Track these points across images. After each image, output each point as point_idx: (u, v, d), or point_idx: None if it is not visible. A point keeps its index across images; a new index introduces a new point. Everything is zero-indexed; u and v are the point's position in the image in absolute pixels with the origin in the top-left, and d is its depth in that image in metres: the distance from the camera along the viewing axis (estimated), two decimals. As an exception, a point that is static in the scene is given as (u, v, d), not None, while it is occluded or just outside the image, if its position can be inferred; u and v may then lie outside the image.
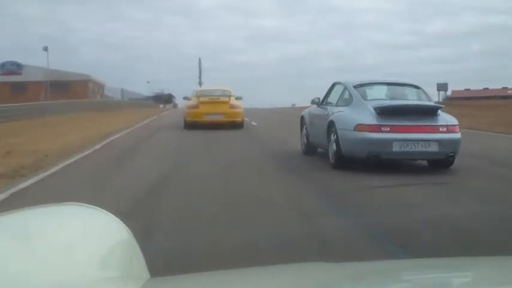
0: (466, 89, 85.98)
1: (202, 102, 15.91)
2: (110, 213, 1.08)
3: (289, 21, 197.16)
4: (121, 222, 1.06)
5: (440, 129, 7.21)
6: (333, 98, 8.42)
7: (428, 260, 1.79)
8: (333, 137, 7.58)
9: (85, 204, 1.11)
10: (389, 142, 7.03)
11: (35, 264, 0.85)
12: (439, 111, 7.40)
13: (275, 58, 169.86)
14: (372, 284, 1.03)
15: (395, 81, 8.53)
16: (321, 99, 8.76)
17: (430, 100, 7.90)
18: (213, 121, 15.57)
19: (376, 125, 7.10)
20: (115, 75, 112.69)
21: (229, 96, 16.39)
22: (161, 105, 66.25)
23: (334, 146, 7.50)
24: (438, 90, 77.28)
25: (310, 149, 8.99)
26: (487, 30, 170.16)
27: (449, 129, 7.24)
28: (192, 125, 15.71)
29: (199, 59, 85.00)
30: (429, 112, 7.38)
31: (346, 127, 7.33)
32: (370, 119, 7.18)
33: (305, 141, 9.22)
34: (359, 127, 7.15)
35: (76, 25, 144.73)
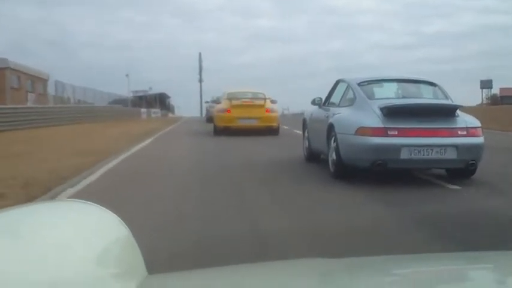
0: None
1: (235, 106, 15.01)
2: (107, 210, 1.07)
3: (288, 22, 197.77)
4: (118, 218, 1.06)
5: (459, 132, 6.30)
6: (336, 97, 7.57)
7: (425, 255, 1.80)
8: (332, 143, 6.78)
9: (81, 200, 1.11)
10: (397, 148, 6.15)
11: (31, 262, 0.83)
12: (458, 112, 6.49)
13: (274, 58, 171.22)
14: (370, 278, 1.06)
15: (408, 78, 7.56)
16: (323, 99, 7.96)
17: (448, 98, 6.98)
18: (246, 126, 14.79)
19: (382, 128, 6.24)
20: (110, 77, 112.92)
21: (265, 99, 15.49)
22: (143, 111, 47.44)
23: (334, 153, 6.71)
24: (482, 88, 73.38)
25: (312, 156, 8.21)
26: (485, 31, 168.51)
27: (470, 132, 6.32)
28: (223, 131, 14.87)
29: (200, 54, 77.52)
30: (445, 112, 6.45)
31: (347, 131, 6.51)
32: (374, 120, 6.32)
33: (307, 146, 8.45)
34: (361, 130, 6.32)
35: (73, 27, 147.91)
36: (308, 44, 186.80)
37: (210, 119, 24.47)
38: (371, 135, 6.21)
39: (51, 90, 34.42)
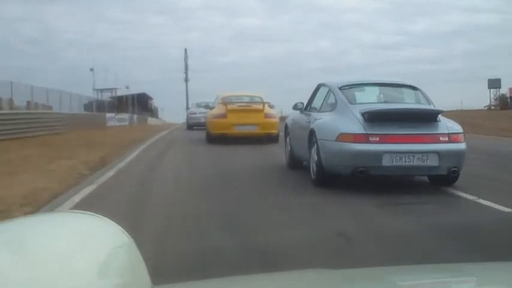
0: (525, 86, 78.07)
1: (231, 111, 13.99)
2: (111, 221, 1.07)
3: (274, 21, 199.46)
4: (122, 229, 1.06)
5: (441, 138, 6.35)
6: (317, 102, 7.63)
7: (424, 266, 1.82)
8: (313, 149, 6.85)
9: (85, 211, 1.11)
10: (379, 155, 6.20)
11: (34, 273, 0.84)
12: (440, 117, 6.56)
13: (260, 58, 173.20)
14: None
15: (390, 82, 7.64)
16: (305, 104, 8.04)
17: (430, 103, 7.05)
18: (244, 133, 13.90)
19: (363, 134, 6.29)
20: (88, 76, 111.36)
21: (263, 103, 14.50)
22: (110, 116, 35.66)
23: (315, 160, 6.77)
24: (490, 88, 72.26)
25: (294, 162, 8.27)
26: (472, 30, 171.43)
27: (451, 138, 6.38)
28: (218, 139, 13.95)
29: (185, 50, 72.08)
30: (427, 118, 6.51)
31: (328, 137, 6.57)
32: (355, 126, 6.38)
33: (289, 153, 8.52)
34: (342, 137, 6.38)
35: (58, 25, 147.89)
36: (295, 43, 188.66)
37: (190, 126, 24.70)
38: (352, 142, 6.27)
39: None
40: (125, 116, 39.34)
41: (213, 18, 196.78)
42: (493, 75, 73.79)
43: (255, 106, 14.43)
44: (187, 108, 31.96)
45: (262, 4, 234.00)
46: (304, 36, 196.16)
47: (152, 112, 63.30)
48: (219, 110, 14.52)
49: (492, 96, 72.48)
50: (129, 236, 1.06)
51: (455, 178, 6.51)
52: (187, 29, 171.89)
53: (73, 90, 36.59)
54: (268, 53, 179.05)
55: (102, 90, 48.52)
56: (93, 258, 0.95)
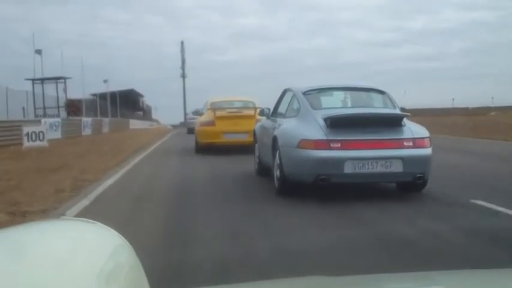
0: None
1: (220, 118, 13.45)
2: (110, 228, 1.08)
3: (270, 19, 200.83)
4: (121, 236, 1.06)
5: (405, 143, 6.24)
6: (283, 108, 7.57)
7: (428, 273, 1.86)
8: (276, 156, 6.79)
9: (83, 219, 1.13)
10: (341, 162, 6.11)
11: (32, 280, 0.83)
12: (405, 121, 6.45)
13: (257, 57, 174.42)
14: None
15: (356, 86, 7.52)
16: (271, 109, 7.99)
17: (395, 107, 6.95)
18: (234, 142, 13.30)
19: (324, 140, 6.20)
20: (88, 77, 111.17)
21: (255, 108, 13.48)
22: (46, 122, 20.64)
23: (278, 167, 6.71)
24: None
25: (263, 170, 8.20)
26: (469, 27, 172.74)
27: (416, 143, 6.27)
28: (207, 148, 13.54)
29: (182, 42, 68.83)
30: (391, 122, 6.40)
31: (289, 143, 6.49)
32: (317, 133, 6.28)
33: (257, 160, 8.47)
34: (303, 143, 6.29)
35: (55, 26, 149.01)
36: (292, 42, 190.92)
37: (190, 130, 25.40)
38: (313, 148, 6.18)
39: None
40: (41, 127, 18.27)
41: (210, 17, 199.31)
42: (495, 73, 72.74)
43: (246, 112, 13.70)
44: (185, 112, 33.83)
45: (259, 3, 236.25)
46: (301, 34, 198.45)
47: (144, 112, 56.79)
48: (207, 117, 13.99)
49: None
50: (127, 242, 1.06)
51: (423, 185, 6.40)
52: (185, 28, 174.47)
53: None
54: (265, 51, 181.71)
55: (43, 80, 30.03)
56: (91, 265, 0.96)
